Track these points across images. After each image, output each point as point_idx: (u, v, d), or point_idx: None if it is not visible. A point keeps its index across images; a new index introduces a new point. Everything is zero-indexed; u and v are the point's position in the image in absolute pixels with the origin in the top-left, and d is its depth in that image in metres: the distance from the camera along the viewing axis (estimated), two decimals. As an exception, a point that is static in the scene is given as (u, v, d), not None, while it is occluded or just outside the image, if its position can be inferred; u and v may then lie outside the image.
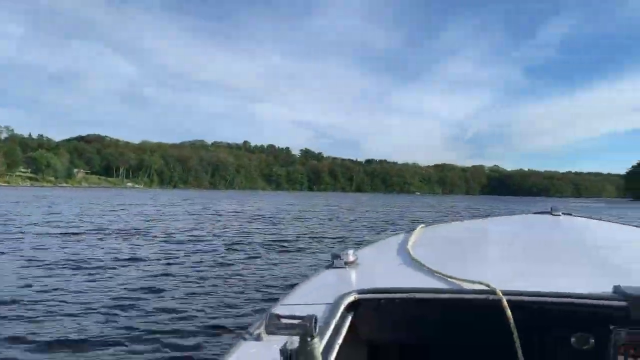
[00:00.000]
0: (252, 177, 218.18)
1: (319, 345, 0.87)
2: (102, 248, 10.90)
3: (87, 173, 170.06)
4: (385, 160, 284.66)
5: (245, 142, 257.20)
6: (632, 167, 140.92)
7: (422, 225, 2.57)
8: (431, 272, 1.52)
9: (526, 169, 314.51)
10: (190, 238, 13.34)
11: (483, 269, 1.64)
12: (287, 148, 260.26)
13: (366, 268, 1.69)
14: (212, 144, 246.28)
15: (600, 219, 3.07)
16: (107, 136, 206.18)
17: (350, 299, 1.28)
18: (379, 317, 1.33)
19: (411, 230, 2.42)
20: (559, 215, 2.94)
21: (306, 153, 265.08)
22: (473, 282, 1.34)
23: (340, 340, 1.13)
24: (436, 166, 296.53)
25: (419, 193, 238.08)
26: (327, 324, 1.11)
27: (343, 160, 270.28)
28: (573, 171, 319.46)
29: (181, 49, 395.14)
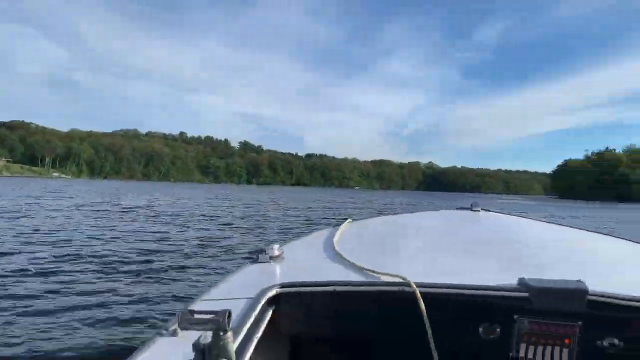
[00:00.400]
0: (188, 169, 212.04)
1: (232, 339, 0.88)
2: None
3: (8, 161, 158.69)
4: (325, 155, 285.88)
5: (181, 133, 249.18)
6: (558, 166, 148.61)
7: (349, 220, 2.65)
8: (352, 266, 1.55)
9: (459, 167, 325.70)
10: (107, 232, 11.49)
11: (401, 262, 1.68)
12: (226, 140, 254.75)
13: (290, 262, 1.70)
14: (147, 134, 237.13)
15: (516, 215, 3.26)
16: (32, 123, 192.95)
17: (272, 293, 1.29)
18: (300, 310, 1.34)
19: (338, 224, 2.49)
20: (479, 211, 3.10)
21: (245, 145, 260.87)
22: (390, 274, 1.38)
23: (258, 335, 1.13)
24: (374, 162, 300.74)
25: (357, 188, 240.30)
26: (244, 318, 1.12)
27: (283, 153, 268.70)
28: (503, 169, 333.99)
29: (116, 33, 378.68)
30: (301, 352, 1.68)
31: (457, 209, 3.35)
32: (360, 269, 1.51)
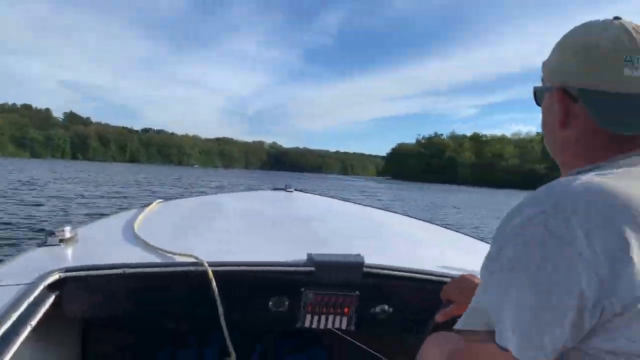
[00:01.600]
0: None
1: None
2: None
3: None
4: (163, 130, 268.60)
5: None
6: (392, 149, 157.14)
7: (160, 200, 2.61)
8: (148, 247, 1.54)
9: (302, 147, 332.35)
10: None
11: (200, 242, 1.70)
12: (47, 109, 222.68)
13: (83, 245, 1.61)
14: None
15: (325, 196, 3.61)
16: None
17: (53, 277, 1.25)
18: (88, 294, 1.32)
19: (146, 204, 2.42)
20: (292, 191, 3.33)
21: (71, 117, 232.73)
22: (184, 255, 1.40)
23: (33, 322, 1.10)
24: (217, 140, 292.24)
25: (197, 166, 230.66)
26: (15, 305, 1.09)
27: (115, 127, 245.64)
28: (342, 151, 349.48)
29: None
30: (94, 335, 1.69)
31: (272, 189, 3.56)
32: (155, 250, 1.50)
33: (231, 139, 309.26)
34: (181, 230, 1.95)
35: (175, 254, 1.43)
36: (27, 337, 1.06)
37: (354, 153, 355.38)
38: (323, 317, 1.43)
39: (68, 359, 1.58)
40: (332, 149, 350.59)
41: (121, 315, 1.45)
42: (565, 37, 0.84)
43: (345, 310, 1.43)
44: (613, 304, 0.61)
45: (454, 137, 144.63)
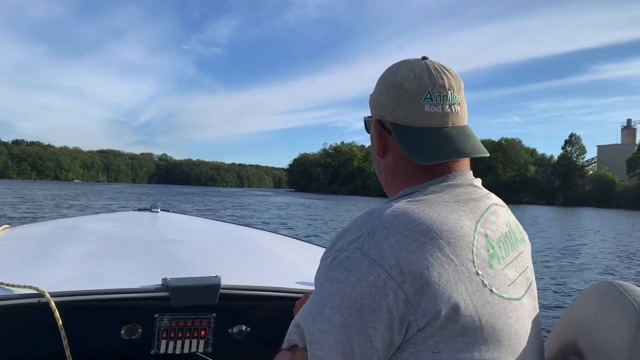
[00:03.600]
0: None
1: None
2: None
3: None
4: (38, 143, 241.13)
5: None
6: (294, 160, 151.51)
7: (6, 225, 2.42)
8: None
9: (195, 159, 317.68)
10: None
11: (47, 271, 1.58)
12: None
13: None
14: None
15: (193, 216, 3.60)
16: None
17: None
18: None
19: None
20: (157, 212, 3.26)
21: None
22: (25, 286, 1.30)
23: None
24: (100, 152, 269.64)
25: (78, 180, 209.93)
26: None
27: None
28: (237, 163, 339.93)
29: None
30: None
31: (138, 209, 3.49)
32: None
33: (117, 150, 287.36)
34: (26, 259, 1.80)
35: (14, 286, 1.32)
36: None
37: (249, 165, 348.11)
38: (179, 342, 1.41)
39: None
40: (227, 161, 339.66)
41: None
42: (383, 74, 0.92)
43: (202, 333, 1.42)
44: (417, 319, 0.68)
45: (353, 146, 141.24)
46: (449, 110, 0.85)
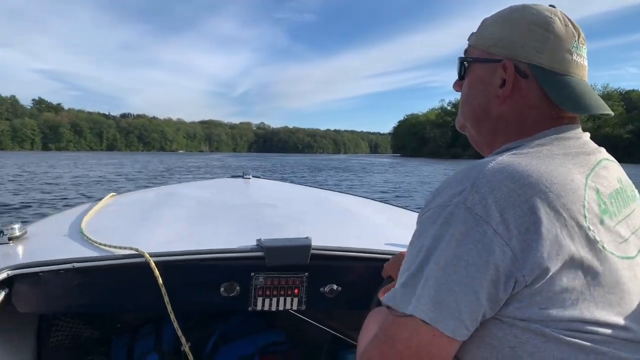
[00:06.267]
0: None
1: None
2: None
3: None
4: (144, 115, 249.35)
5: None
6: (399, 122, 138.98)
7: (113, 193, 2.61)
8: (91, 242, 1.57)
9: (291, 127, 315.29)
10: None
11: (148, 234, 1.71)
12: (13, 97, 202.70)
13: (32, 242, 1.64)
14: None
15: (284, 182, 3.74)
16: None
17: (2, 275, 1.29)
18: (39, 290, 1.35)
19: (99, 199, 2.42)
20: (249, 178, 3.54)
21: (40, 104, 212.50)
22: (126, 247, 1.43)
23: None
24: (202, 123, 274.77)
25: (182, 151, 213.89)
26: None
27: (90, 113, 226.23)
28: (332, 129, 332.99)
29: None
30: (49, 329, 1.75)
31: (230, 177, 3.76)
32: (99, 245, 1.52)
33: (217, 121, 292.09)
34: (129, 223, 1.97)
35: (117, 247, 1.46)
36: None
37: (345, 131, 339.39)
38: (274, 299, 1.49)
39: (24, 353, 1.62)
40: (322, 128, 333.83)
41: (74, 309, 1.51)
42: (512, 12, 0.85)
43: (296, 291, 1.50)
44: (525, 275, 0.67)
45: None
46: (584, 63, 0.82)
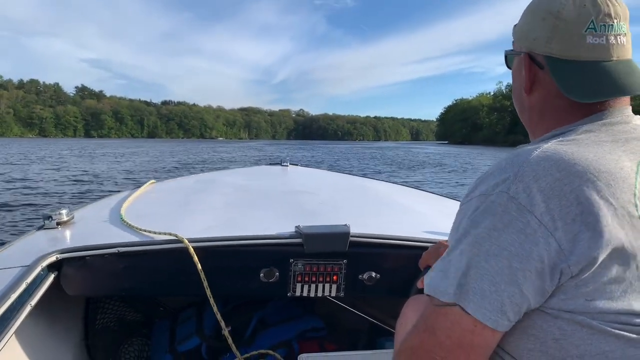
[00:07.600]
0: (1, 120, 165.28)
1: None
2: None
3: None
4: (184, 102, 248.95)
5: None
6: (447, 107, 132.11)
7: (153, 180, 2.66)
8: (132, 227, 1.60)
9: (330, 114, 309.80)
10: None
11: (187, 220, 1.74)
12: (57, 84, 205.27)
13: (78, 227, 1.69)
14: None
15: (321, 170, 3.80)
16: None
17: (51, 259, 1.32)
18: (87, 273, 1.39)
19: (139, 185, 2.47)
20: (287, 165, 3.60)
21: (82, 91, 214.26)
22: (166, 233, 1.45)
23: (33, 301, 1.19)
24: (241, 110, 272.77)
25: (222, 138, 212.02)
26: (14, 286, 1.15)
27: (131, 100, 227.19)
28: (372, 116, 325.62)
29: None
30: (95, 310, 1.80)
31: (268, 164, 3.86)
32: (141, 231, 1.54)
33: (256, 108, 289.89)
34: (169, 210, 1.99)
35: (157, 232, 1.48)
36: (29, 315, 1.15)
37: (386, 117, 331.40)
38: (313, 286, 1.49)
39: (72, 333, 1.67)
40: (362, 114, 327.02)
41: (119, 292, 1.55)
42: (532, 2, 0.84)
43: (334, 278, 1.50)
44: (570, 266, 0.64)
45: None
46: (613, 41, 0.76)
